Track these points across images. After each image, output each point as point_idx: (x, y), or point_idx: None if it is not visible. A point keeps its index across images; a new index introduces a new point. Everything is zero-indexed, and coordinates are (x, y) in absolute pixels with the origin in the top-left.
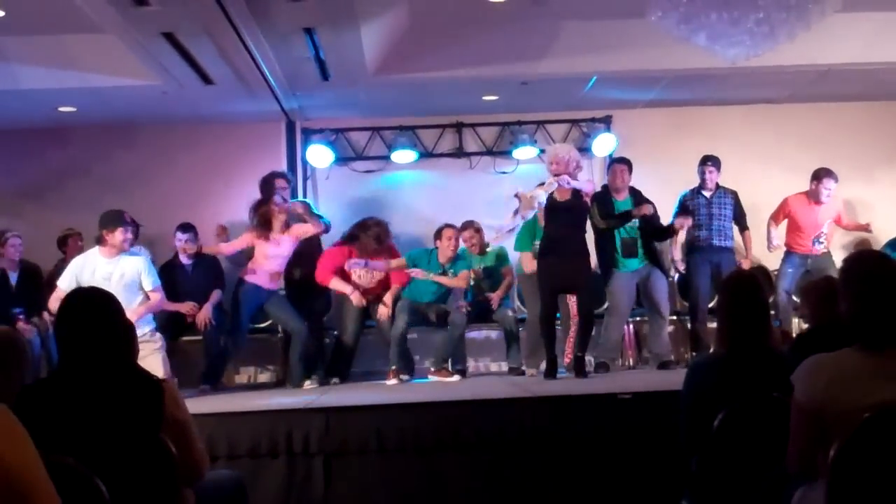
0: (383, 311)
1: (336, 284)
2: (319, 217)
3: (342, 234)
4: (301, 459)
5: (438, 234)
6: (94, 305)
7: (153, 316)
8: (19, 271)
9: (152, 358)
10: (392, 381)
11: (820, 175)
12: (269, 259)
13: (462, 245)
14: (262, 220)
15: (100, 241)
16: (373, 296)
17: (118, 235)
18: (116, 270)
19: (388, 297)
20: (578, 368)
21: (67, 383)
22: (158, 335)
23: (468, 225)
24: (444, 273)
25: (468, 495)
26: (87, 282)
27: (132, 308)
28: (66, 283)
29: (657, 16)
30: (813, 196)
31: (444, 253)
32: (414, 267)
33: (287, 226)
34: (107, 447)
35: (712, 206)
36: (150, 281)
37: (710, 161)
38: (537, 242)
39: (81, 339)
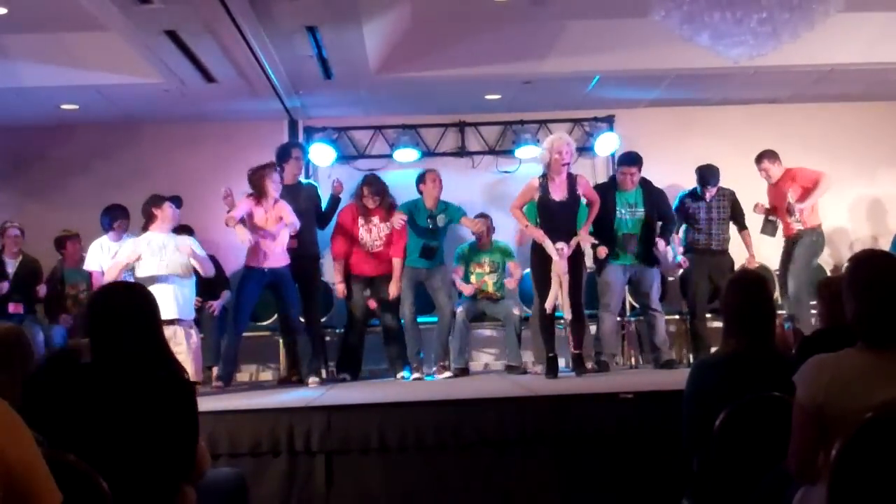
0: (394, 290)
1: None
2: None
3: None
4: (302, 458)
5: (422, 180)
6: (135, 298)
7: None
8: (18, 263)
9: (187, 352)
10: (416, 375)
11: (756, 161)
12: (263, 230)
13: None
14: (258, 184)
15: (150, 218)
16: (379, 276)
17: (166, 209)
18: (171, 242)
19: (395, 280)
20: (577, 366)
21: (103, 373)
22: (195, 331)
23: (484, 216)
24: (434, 217)
25: (469, 494)
26: (144, 250)
27: (190, 304)
28: (123, 256)
29: (660, 15)
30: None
31: (430, 195)
32: (410, 215)
33: (276, 201)
34: (122, 442)
35: (711, 211)
36: (200, 249)
37: (709, 183)
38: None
39: (121, 331)
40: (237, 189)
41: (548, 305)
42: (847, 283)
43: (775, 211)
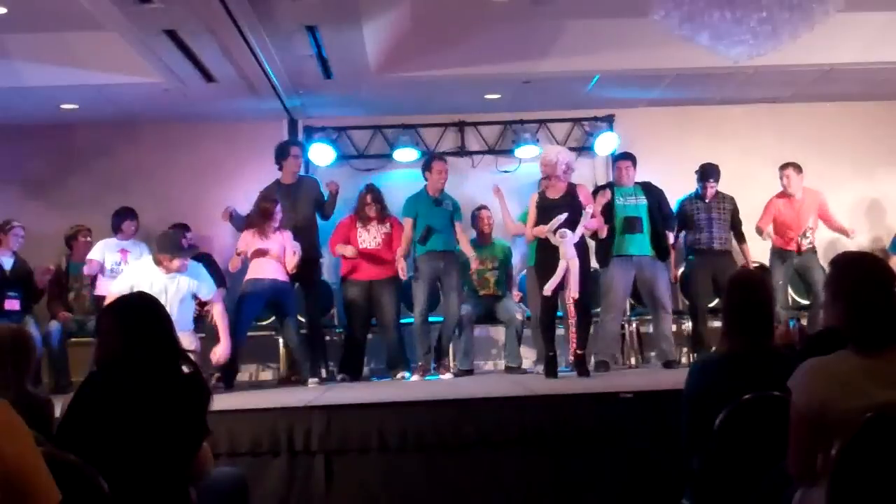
0: (401, 270)
1: (339, 249)
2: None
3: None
4: (302, 457)
5: (428, 167)
6: (158, 308)
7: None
8: (14, 261)
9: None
10: (415, 377)
11: (782, 167)
12: (265, 258)
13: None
14: (262, 213)
15: (157, 262)
16: (379, 280)
17: (176, 263)
18: (172, 285)
19: (399, 259)
20: (580, 367)
21: (134, 373)
22: (194, 335)
23: (484, 207)
24: (439, 202)
25: (469, 494)
26: (143, 286)
27: (188, 320)
28: (120, 290)
29: (660, 15)
30: (784, 190)
31: (435, 185)
32: (415, 217)
33: (278, 230)
34: (147, 445)
35: (712, 211)
36: (206, 289)
37: (711, 178)
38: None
39: (149, 335)
40: (238, 188)
41: (547, 289)
42: (831, 287)
43: (776, 223)
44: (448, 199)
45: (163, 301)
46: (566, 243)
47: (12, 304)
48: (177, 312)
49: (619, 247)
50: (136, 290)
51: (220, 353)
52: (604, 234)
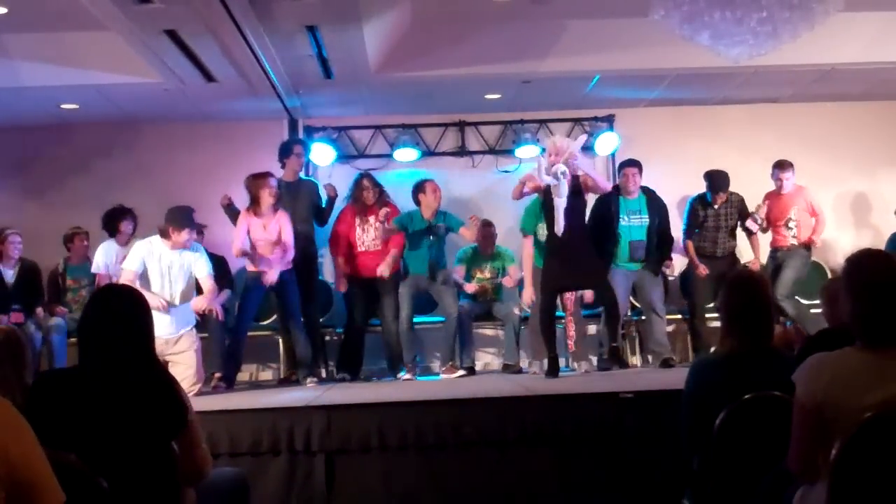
0: (384, 270)
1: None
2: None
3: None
4: (302, 457)
5: (421, 189)
6: (125, 301)
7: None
8: (18, 269)
9: (190, 353)
10: (408, 376)
11: (776, 166)
12: (262, 241)
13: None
14: (254, 193)
15: (164, 234)
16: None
17: (184, 235)
18: (178, 260)
19: (386, 262)
20: (615, 358)
21: (90, 376)
22: (195, 332)
23: (489, 223)
24: (431, 229)
25: (469, 494)
26: (153, 266)
27: (192, 294)
28: (134, 266)
29: (660, 15)
30: (776, 188)
31: (430, 207)
32: (404, 230)
33: (275, 209)
34: (118, 444)
35: (719, 219)
36: (202, 267)
37: (721, 190)
38: (542, 225)
39: (109, 334)
40: (239, 188)
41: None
42: (844, 283)
43: (768, 219)
44: (442, 221)
45: (169, 277)
46: (560, 183)
47: (17, 317)
48: (184, 287)
49: (618, 265)
50: (147, 265)
51: (198, 301)
52: (608, 188)
